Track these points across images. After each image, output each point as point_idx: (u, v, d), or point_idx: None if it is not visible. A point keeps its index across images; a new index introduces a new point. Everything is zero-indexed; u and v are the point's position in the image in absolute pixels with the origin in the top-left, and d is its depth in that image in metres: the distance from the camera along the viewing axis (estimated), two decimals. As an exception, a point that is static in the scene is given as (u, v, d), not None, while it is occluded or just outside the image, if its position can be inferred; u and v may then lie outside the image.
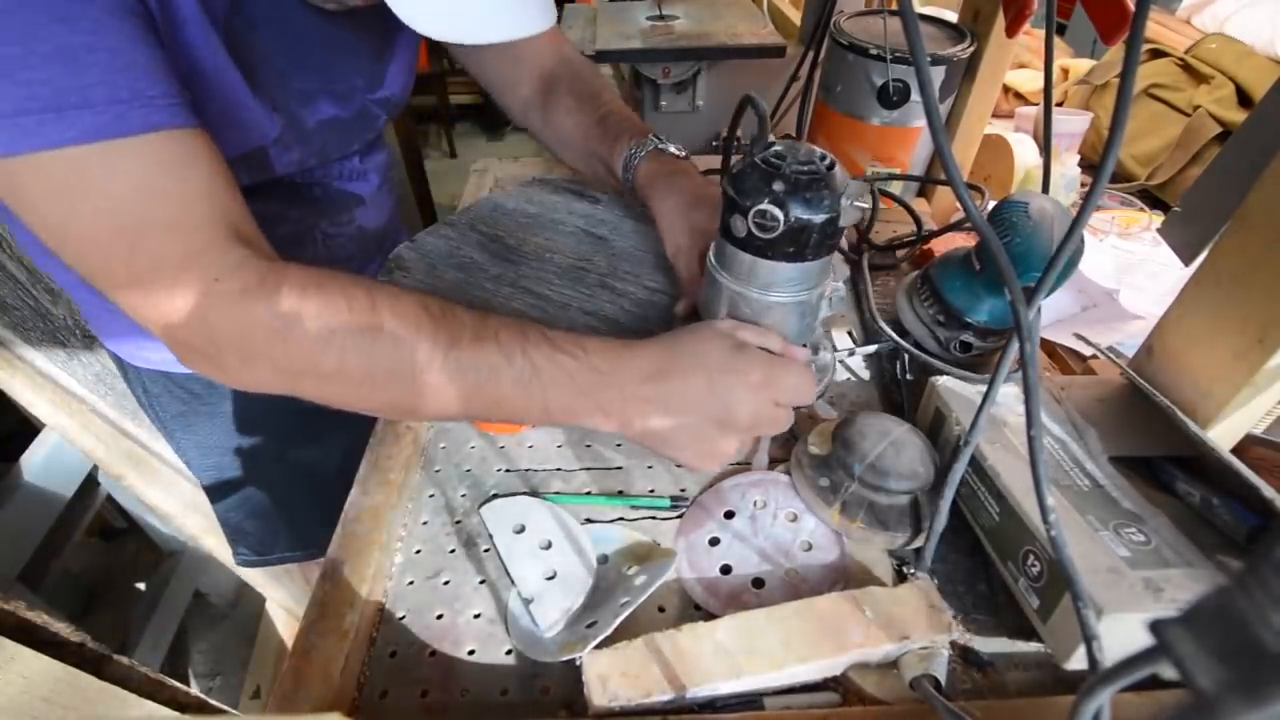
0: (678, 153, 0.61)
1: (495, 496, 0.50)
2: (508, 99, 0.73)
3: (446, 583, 0.45)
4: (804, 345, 0.45)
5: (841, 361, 0.62)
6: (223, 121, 0.46)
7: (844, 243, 0.71)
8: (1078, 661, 0.36)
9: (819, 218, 0.38)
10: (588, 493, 0.50)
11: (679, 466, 0.52)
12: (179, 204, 0.37)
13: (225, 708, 0.39)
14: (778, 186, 0.38)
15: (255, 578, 1.21)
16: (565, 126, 0.67)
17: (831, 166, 0.39)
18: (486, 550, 0.47)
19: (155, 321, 0.39)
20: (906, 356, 0.57)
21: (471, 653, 0.41)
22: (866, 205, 0.40)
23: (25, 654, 0.28)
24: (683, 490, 0.50)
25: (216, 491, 0.79)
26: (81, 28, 0.33)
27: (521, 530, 0.47)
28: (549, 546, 0.46)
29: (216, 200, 0.39)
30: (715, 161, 0.88)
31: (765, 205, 0.37)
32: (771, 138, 0.41)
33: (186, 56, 0.42)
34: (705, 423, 0.40)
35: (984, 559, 0.44)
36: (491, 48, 0.67)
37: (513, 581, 0.44)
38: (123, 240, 0.36)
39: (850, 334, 0.65)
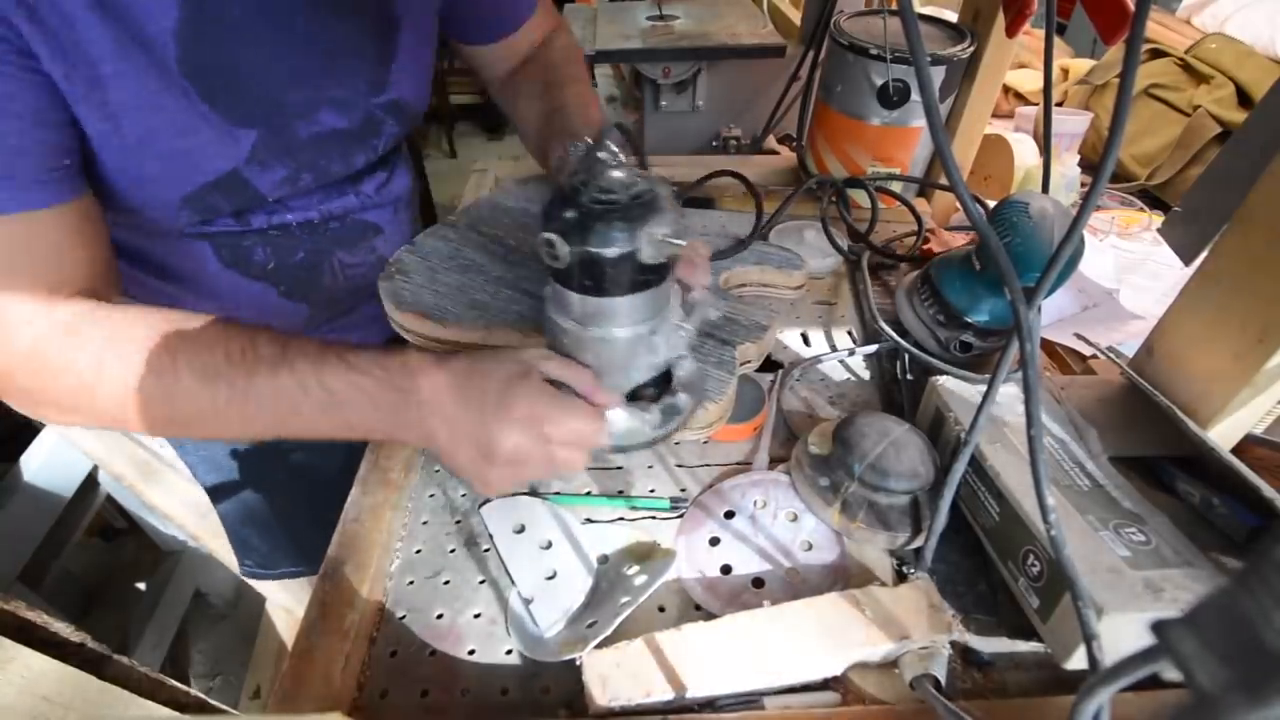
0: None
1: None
2: (486, 74, 0.72)
3: (446, 583, 0.45)
4: (644, 387, 0.43)
5: (841, 362, 0.62)
6: (163, 151, 0.45)
7: (843, 243, 0.71)
8: (1078, 661, 0.36)
9: (608, 252, 0.35)
10: (588, 493, 0.50)
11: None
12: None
13: (225, 708, 0.39)
14: (568, 214, 0.35)
15: (255, 578, 1.21)
16: (524, 115, 0.67)
17: (640, 197, 0.36)
18: (486, 550, 0.47)
19: None
20: (906, 356, 0.57)
21: (471, 653, 0.41)
22: (681, 241, 0.36)
23: (25, 654, 0.28)
24: (683, 490, 0.50)
25: (225, 504, 0.78)
26: None
27: (521, 530, 0.47)
28: (549, 546, 0.46)
29: (40, 288, 0.40)
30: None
31: (549, 233, 0.35)
32: (619, 162, 0.37)
33: (109, 91, 0.41)
34: (473, 449, 0.39)
35: (984, 559, 0.44)
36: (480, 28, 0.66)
37: (513, 581, 0.44)
38: None
39: (850, 334, 0.65)
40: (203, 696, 0.36)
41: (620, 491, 0.50)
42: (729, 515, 0.48)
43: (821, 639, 0.37)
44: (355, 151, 0.57)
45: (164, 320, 0.41)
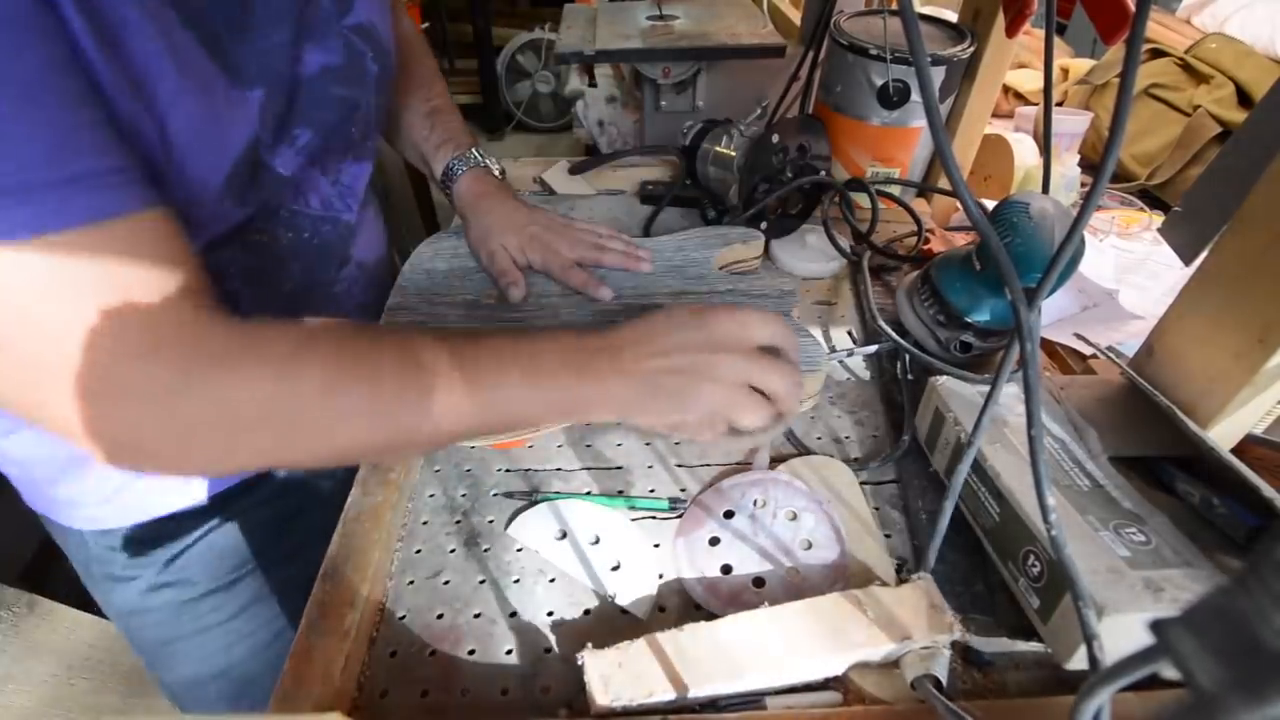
0: (497, 173, 0.65)
1: (517, 513, 0.49)
2: None
3: (446, 583, 0.45)
4: None
5: (841, 362, 0.62)
6: (202, 129, 0.38)
7: (845, 244, 0.71)
8: (1078, 661, 0.36)
9: None
10: (588, 493, 0.50)
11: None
12: (140, 291, 0.32)
13: (226, 708, 0.39)
14: None
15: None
16: (393, 109, 0.66)
17: None
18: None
19: (106, 434, 0.32)
20: (907, 356, 0.57)
21: (471, 653, 0.41)
22: None
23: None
24: (683, 491, 0.50)
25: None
26: (8, 94, 0.27)
27: (564, 536, 0.47)
28: (597, 542, 0.46)
29: (176, 276, 0.33)
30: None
31: None
32: None
33: (137, 70, 0.34)
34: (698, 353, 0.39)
35: (981, 559, 0.44)
36: None
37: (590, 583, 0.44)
38: (70, 345, 0.30)
39: (850, 334, 0.65)
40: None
41: (620, 491, 0.50)
42: (729, 515, 0.48)
43: (823, 639, 0.37)
44: (350, 104, 0.50)
45: (335, 326, 0.36)
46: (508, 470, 0.52)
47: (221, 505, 0.57)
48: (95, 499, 0.53)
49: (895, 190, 0.78)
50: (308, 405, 0.34)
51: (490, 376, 0.37)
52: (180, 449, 0.34)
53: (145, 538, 0.55)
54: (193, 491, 0.54)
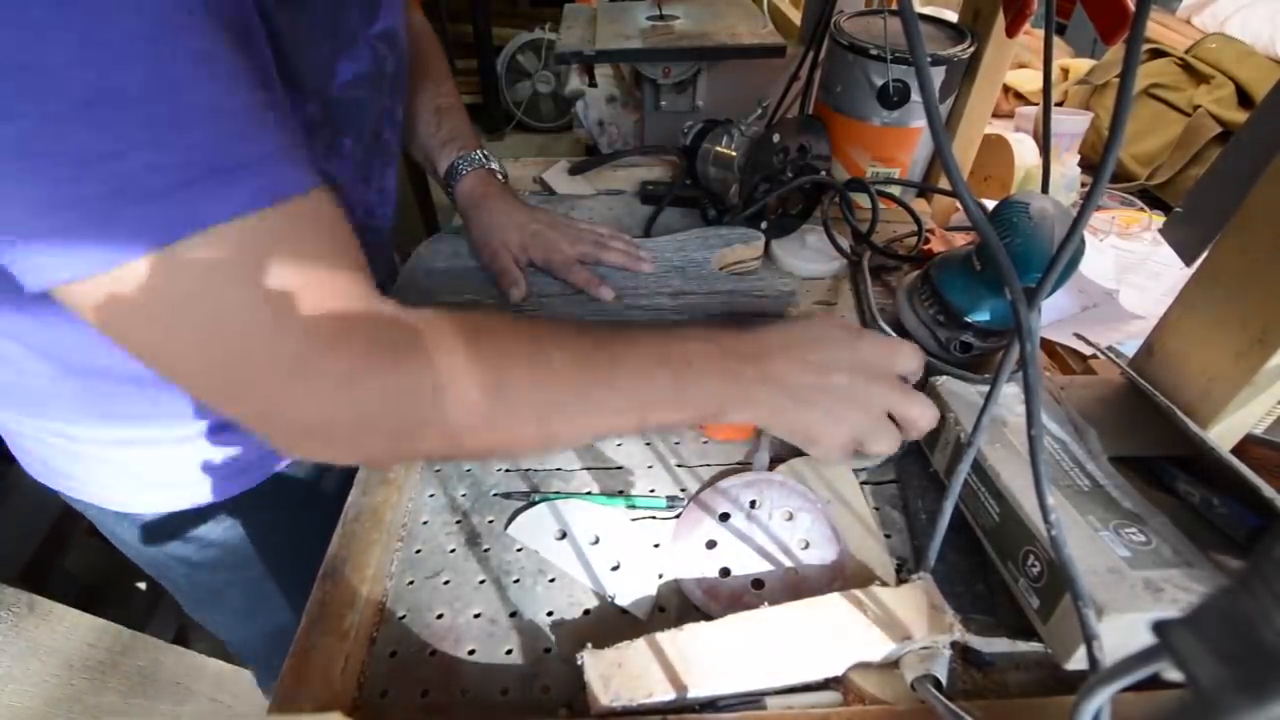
0: (500, 173, 0.65)
1: (517, 513, 0.49)
2: None
3: (446, 583, 0.45)
4: None
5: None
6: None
7: (845, 244, 0.71)
8: (1078, 661, 0.35)
9: None
10: (587, 492, 0.50)
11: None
12: (333, 266, 0.31)
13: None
14: None
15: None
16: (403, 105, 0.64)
17: None
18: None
19: (294, 421, 0.32)
20: (907, 356, 0.57)
21: (472, 652, 0.41)
22: None
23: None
24: (682, 490, 0.50)
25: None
26: (219, 72, 0.27)
27: (563, 536, 0.47)
28: (597, 542, 0.46)
29: (355, 256, 0.34)
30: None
31: None
32: None
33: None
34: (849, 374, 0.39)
35: (982, 559, 0.44)
36: None
37: (590, 584, 0.44)
38: (274, 320, 0.30)
39: (850, 334, 0.65)
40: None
41: (620, 491, 0.50)
42: (724, 517, 0.48)
43: (823, 639, 0.37)
44: (377, 102, 0.51)
45: (501, 317, 0.37)
46: (508, 470, 0.52)
47: (226, 507, 0.57)
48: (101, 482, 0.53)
49: (895, 190, 0.78)
50: (484, 397, 0.34)
51: (641, 379, 0.37)
52: (368, 433, 0.33)
53: (155, 527, 0.56)
54: (198, 492, 0.54)
